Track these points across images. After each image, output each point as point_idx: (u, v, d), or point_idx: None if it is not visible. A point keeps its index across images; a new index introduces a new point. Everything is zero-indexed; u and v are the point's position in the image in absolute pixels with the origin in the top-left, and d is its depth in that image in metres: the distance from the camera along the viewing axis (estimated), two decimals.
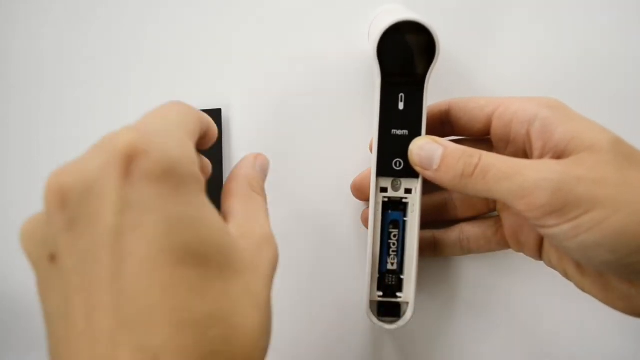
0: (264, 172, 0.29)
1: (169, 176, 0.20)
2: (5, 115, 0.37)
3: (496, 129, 0.30)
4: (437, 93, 0.32)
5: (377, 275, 0.31)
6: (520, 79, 0.35)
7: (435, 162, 0.28)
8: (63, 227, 0.20)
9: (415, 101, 0.30)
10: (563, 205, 0.24)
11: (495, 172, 0.26)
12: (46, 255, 0.21)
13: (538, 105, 0.28)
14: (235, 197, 0.26)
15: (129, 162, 0.20)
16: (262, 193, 0.27)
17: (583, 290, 0.29)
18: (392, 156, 0.30)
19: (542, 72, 0.35)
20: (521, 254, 0.32)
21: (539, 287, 0.35)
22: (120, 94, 0.37)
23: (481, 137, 0.32)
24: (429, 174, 0.29)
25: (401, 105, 0.30)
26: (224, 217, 0.25)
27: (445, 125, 0.32)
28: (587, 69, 0.35)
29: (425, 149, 0.28)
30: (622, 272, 0.26)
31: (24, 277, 0.36)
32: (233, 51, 0.36)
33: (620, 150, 0.26)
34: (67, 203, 0.20)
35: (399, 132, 0.30)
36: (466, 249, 0.34)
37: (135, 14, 0.36)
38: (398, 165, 0.30)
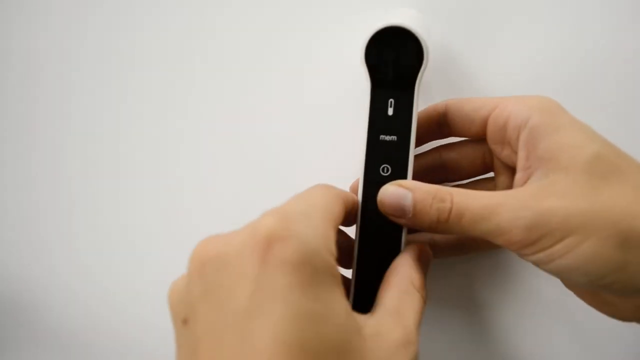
0: (427, 268, 0.28)
1: (303, 267, 0.21)
2: (3, 115, 0.37)
3: (491, 132, 0.30)
4: (439, 93, 0.32)
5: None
6: (520, 79, 0.35)
7: (408, 210, 0.27)
8: (198, 295, 0.21)
9: (405, 107, 0.29)
10: (538, 239, 0.25)
11: (469, 215, 0.26)
12: (181, 318, 0.22)
13: (530, 108, 0.28)
14: (392, 289, 0.26)
15: (268, 247, 0.21)
16: (423, 291, 0.26)
17: (572, 291, 0.29)
18: (379, 163, 0.29)
19: (542, 72, 0.35)
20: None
21: (538, 287, 0.36)
22: (119, 94, 0.37)
23: (478, 139, 0.32)
24: (404, 222, 0.28)
25: (390, 111, 0.29)
26: (374, 307, 0.25)
27: (442, 126, 0.32)
28: (586, 69, 0.35)
29: (394, 196, 0.28)
30: (599, 291, 0.26)
31: (23, 273, 0.37)
32: (232, 59, 0.36)
33: (597, 168, 0.26)
34: (206, 273, 0.21)
35: (387, 138, 0.29)
36: (465, 250, 0.34)
37: (134, 14, 0.37)
38: (385, 171, 0.29)
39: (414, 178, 0.30)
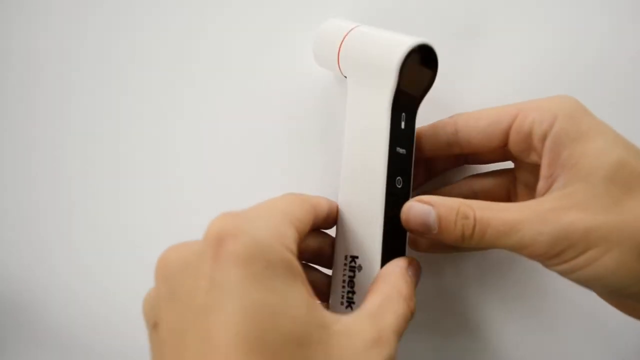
0: (416, 279, 0.28)
1: (255, 260, 0.21)
2: (3, 115, 0.37)
3: (515, 143, 0.29)
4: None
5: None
6: (514, 85, 0.35)
7: (434, 227, 0.27)
8: (163, 298, 0.22)
9: (412, 120, 0.30)
10: (560, 252, 0.25)
11: (491, 231, 0.26)
12: (151, 323, 0.23)
13: (553, 114, 0.27)
14: (377, 293, 0.26)
15: (219, 243, 0.21)
16: (410, 301, 0.26)
17: (600, 297, 0.29)
18: (395, 175, 0.30)
19: (536, 77, 0.35)
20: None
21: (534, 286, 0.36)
22: (119, 94, 0.37)
23: (495, 150, 0.31)
24: (430, 237, 0.28)
25: (403, 125, 0.30)
26: (355, 309, 0.25)
27: (452, 145, 0.31)
28: (583, 72, 0.35)
29: (419, 213, 0.28)
30: (621, 299, 0.27)
31: (23, 273, 0.37)
32: (234, 59, 0.36)
33: (618, 177, 0.26)
34: (169, 276, 0.22)
35: (401, 150, 0.30)
36: (447, 248, 0.33)
37: (134, 14, 0.37)
38: (399, 183, 0.30)
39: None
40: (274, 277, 0.21)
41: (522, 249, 0.26)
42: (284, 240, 0.23)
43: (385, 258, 0.29)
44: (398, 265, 0.28)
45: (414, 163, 0.31)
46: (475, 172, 0.34)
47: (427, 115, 0.32)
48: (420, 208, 0.28)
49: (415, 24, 0.35)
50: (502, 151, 0.32)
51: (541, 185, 0.28)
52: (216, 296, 0.21)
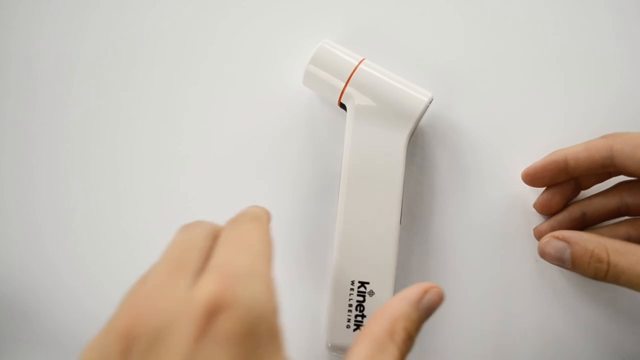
0: (428, 313, 0.24)
1: (248, 339, 0.18)
2: (3, 115, 0.37)
3: None
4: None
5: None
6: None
7: (567, 263, 0.29)
8: None
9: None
10: None
11: (625, 279, 0.27)
12: None
13: None
14: (367, 339, 0.22)
15: (210, 318, 0.18)
16: (404, 344, 0.22)
17: None
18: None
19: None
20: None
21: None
22: (119, 94, 0.37)
23: None
24: (565, 269, 0.30)
25: None
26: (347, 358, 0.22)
27: (607, 167, 0.30)
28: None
29: (555, 250, 0.29)
30: None
31: (23, 273, 0.37)
32: (236, 59, 0.36)
33: None
34: (131, 351, 0.19)
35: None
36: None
37: (134, 14, 0.37)
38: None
39: None
40: (261, 355, 0.18)
41: None
42: (275, 302, 0.20)
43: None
44: (406, 297, 0.23)
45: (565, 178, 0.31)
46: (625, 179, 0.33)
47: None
48: (556, 244, 0.29)
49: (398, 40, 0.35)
50: None
51: None
52: None
